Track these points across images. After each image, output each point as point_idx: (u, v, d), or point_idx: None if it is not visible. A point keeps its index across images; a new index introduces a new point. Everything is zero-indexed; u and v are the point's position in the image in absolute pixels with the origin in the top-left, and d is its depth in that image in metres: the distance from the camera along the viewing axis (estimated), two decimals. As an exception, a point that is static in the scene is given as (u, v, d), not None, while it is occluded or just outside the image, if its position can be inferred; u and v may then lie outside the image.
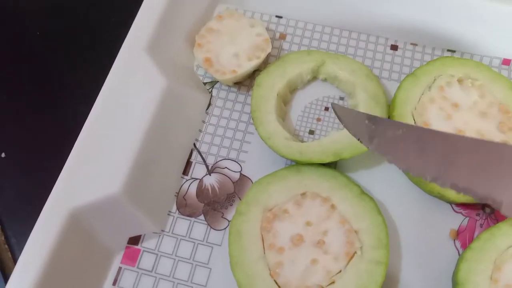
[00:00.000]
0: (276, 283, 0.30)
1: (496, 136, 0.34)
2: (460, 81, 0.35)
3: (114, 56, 0.34)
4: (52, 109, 0.40)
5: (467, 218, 0.33)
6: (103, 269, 0.32)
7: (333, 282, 0.29)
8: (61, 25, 0.45)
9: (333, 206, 0.32)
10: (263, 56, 0.37)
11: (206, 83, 0.39)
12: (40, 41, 0.44)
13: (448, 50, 0.39)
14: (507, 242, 0.30)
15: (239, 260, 0.30)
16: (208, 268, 0.32)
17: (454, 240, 0.32)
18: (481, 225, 0.33)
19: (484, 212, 0.33)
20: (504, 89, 0.35)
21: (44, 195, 0.30)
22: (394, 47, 0.40)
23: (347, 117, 0.27)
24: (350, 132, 0.26)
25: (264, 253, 0.31)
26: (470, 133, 0.34)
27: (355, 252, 0.30)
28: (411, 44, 0.40)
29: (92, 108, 0.33)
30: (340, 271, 0.30)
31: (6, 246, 0.35)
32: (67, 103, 0.40)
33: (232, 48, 0.38)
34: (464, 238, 0.32)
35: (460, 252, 0.32)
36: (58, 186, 0.30)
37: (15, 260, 0.34)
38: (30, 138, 0.39)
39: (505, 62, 0.39)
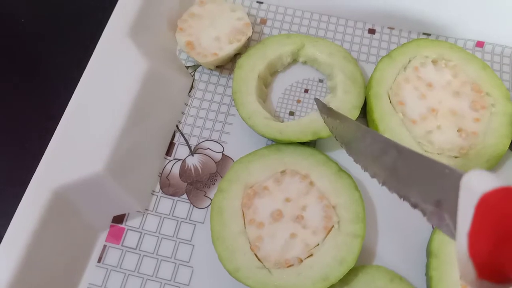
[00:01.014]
0: (256, 256, 0.30)
1: (469, 114, 0.35)
2: (434, 61, 0.37)
3: (96, 40, 0.35)
4: (35, 91, 0.41)
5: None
6: (88, 247, 0.33)
7: (311, 255, 0.30)
8: (44, 9, 0.45)
9: (311, 183, 0.33)
10: (243, 39, 0.38)
11: (189, 66, 0.40)
12: (24, 26, 0.44)
13: (424, 34, 0.41)
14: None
15: (221, 234, 0.31)
16: (191, 244, 0.33)
17: (429, 214, 0.33)
18: (454, 200, 0.34)
19: (457, 187, 0.34)
20: (477, 69, 0.36)
21: (28, 176, 0.31)
22: (371, 31, 0.41)
23: (326, 113, 0.32)
24: (328, 128, 0.32)
25: (245, 228, 0.31)
26: (444, 111, 0.35)
27: (333, 226, 0.31)
28: (388, 28, 0.41)
29: (76, 90, 0.33)
30: (318, 244, 0.31)
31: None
32: (49, 86, 0.41)
33: (214, 31, 0.38)
34: (438, 212, 0.33)
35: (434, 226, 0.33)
36: (42, 164, 0.31)
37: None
38: (14, 121, 0.39)
39: (479, 44, 0.40)
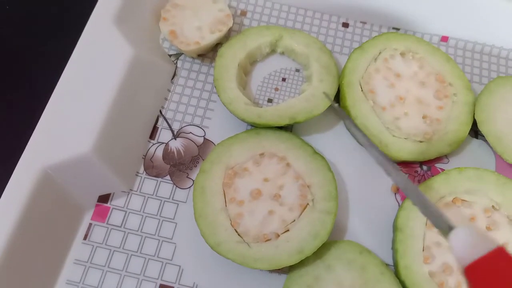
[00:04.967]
0: (236, 231, 0.33)
1: (433, 102, 0.38)
2: (402, 54, 0.39)
3: (82, 27, 0.36)
4: (23, 75, 0.42)
5: (407, 175, 0.37)
6: (74, 225, 0.34)
7: (288, 230, 0.33)
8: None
9: (288, 164, 0.35)
10: (225, 29, 0.40)
11: (172, 55, 0.41)
12: (9, 13, 0.45)
13: (394, 28, 0.44)
14: (440, 193, 0.34)
15: (203, 212, 0.33)
16: (174, 222, 0.35)
17: (395, 194, 0.36)
18: (418, 181, 0.37)
19: (422, 169, 0.37)
20: (441, 62, 0.39)
21: (17, 156, 0.32)
22: (345, 25, 0.43)
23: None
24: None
25: (226, 206, 0.33)
26: (411, 99, 0.38)
27: (308, 204, 0.34)
28: (361, 22, 0.44)
29: (63, 73, 0.34)
30: (294, 220, 0.33)
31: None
32: (36, 72, 0.42)
33: (196, 21, 0.40)
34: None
35: (400, 204, 0.36)
36: (31, 145, 0.32)
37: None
38: (1, 105, 0.40)
39: (443, 39, 0.43)
